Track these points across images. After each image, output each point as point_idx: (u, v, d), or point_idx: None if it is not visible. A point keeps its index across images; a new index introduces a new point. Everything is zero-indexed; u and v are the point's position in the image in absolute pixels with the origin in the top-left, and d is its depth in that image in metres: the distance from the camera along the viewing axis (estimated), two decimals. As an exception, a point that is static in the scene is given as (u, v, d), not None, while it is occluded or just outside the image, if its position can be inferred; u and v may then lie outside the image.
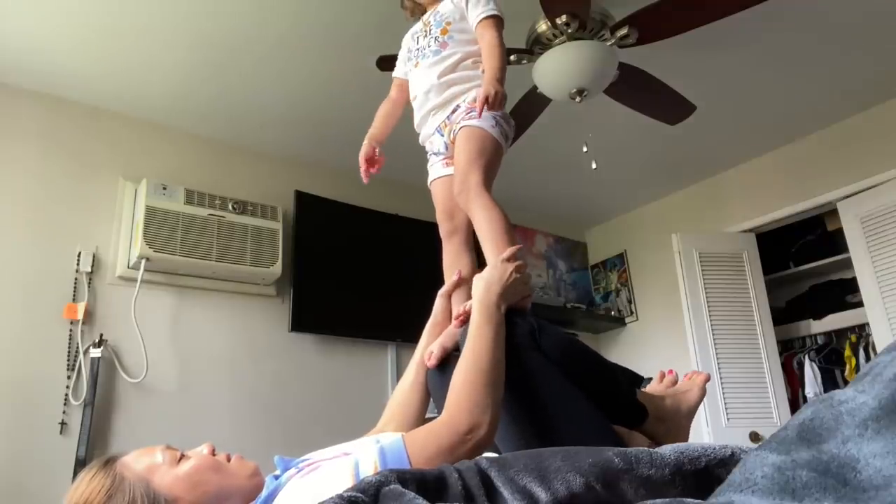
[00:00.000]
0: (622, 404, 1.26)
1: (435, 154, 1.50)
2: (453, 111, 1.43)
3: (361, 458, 0.93)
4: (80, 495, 0.97)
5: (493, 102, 1.33)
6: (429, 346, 1.30)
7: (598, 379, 1.23)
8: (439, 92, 1.45)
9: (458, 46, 1.47)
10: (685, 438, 1.36)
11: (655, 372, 4.26)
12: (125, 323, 2.70)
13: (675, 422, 1.35)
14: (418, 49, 1.51)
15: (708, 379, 1.44)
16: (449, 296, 1.35)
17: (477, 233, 1.32)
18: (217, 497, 1.01)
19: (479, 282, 1.19)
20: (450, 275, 1.42)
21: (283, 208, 3.18)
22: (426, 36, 1.51)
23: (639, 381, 1.34)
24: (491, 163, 1.35)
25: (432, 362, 1.26)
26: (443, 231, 1.47)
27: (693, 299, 3.63)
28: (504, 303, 1.16)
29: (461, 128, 1.38)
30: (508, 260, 1.21)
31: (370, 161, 1.59)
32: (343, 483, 0.89)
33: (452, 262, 1.43)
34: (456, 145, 1.39)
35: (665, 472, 0.66)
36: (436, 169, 1.50)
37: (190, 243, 2.80)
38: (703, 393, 1.41)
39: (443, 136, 1.46)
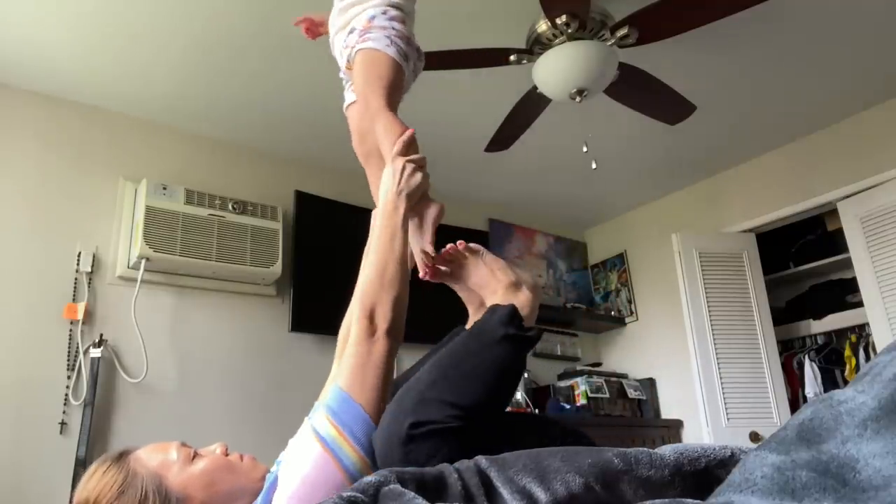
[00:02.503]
0: (528, 346, 1.08)
1: (345, 80, 1.47)
2: (349, 33, 1.38)
3: (315, 421, 0.97)
4: (91, 489, 0.97)
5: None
6: None
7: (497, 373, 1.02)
8: (341, 14, 1.41)
9: None
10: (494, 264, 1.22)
11: (655, 373, 4.28)
12: (125, 323, 2.70)
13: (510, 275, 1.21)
14: None
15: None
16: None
17: (382, 153, 1.24)
18: (228, 497, 1.01)
19: (382, 185, 1.15)
20: (375, 197, 1.36)
21: (283, 208, 3.18)
22: None
23: (510, 311, 1.10)
24: (391, 84, 1.28)
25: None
26: (359, 155, 1.43)
27: (693, 299, 3.63)
28: (405, 201, 1.11)
29: (357, 51, 1.33)
30: (400, 154, 1.16)
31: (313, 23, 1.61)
32: (311, 448, 0.93)
33: (375, 183, 1.37)
34: (354, 70, 1.34)
35: (664, 473, 0.66)
36: (349, 95, 1.47)
37: (190, 243, 2.80)
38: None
39: (344, 59, 1.41)
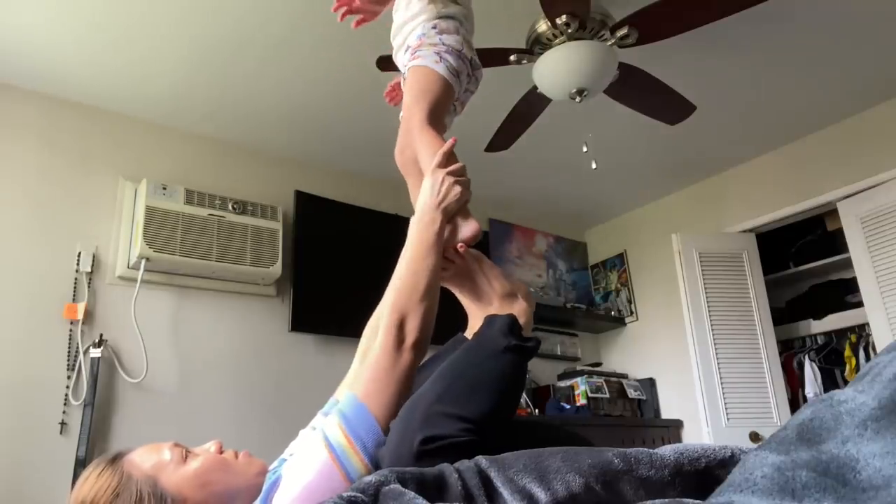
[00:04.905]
0: (529, 355, 1.06)
1: None
2: (406, 52, 1.40)
3: (327, 428, 0.95)
4: (86, 493, 0.96)
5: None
6: None
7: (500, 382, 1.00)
8: (398, 32, 1.43)
9: None
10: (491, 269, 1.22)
11: (655, 373, 4.28)
12: (125, 323, 2.70)
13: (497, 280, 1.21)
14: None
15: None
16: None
17: (422, 169, 1.25)
18: (225, 496, 1.00)
19: (420, 197, 1.16)
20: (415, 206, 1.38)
21: (283, 208, 3.18)
22: None
23: (510, 322, 1.07)
24: (437, 100, 1.30)
25: None
26: (399, 165, 1.43)
27: (693, 299, 3.63)
28: (442, 214, 1.12)
29: (408, 69, 1.35)
30: (440, 166, 1.16)
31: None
32: (319, 454, 0.92)
33: (414, 194, 1.37)
34: (404, 86, 1.37)
35: (665, 473, 0.66)
36: None
37: (190, 243, 2.80)
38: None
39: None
